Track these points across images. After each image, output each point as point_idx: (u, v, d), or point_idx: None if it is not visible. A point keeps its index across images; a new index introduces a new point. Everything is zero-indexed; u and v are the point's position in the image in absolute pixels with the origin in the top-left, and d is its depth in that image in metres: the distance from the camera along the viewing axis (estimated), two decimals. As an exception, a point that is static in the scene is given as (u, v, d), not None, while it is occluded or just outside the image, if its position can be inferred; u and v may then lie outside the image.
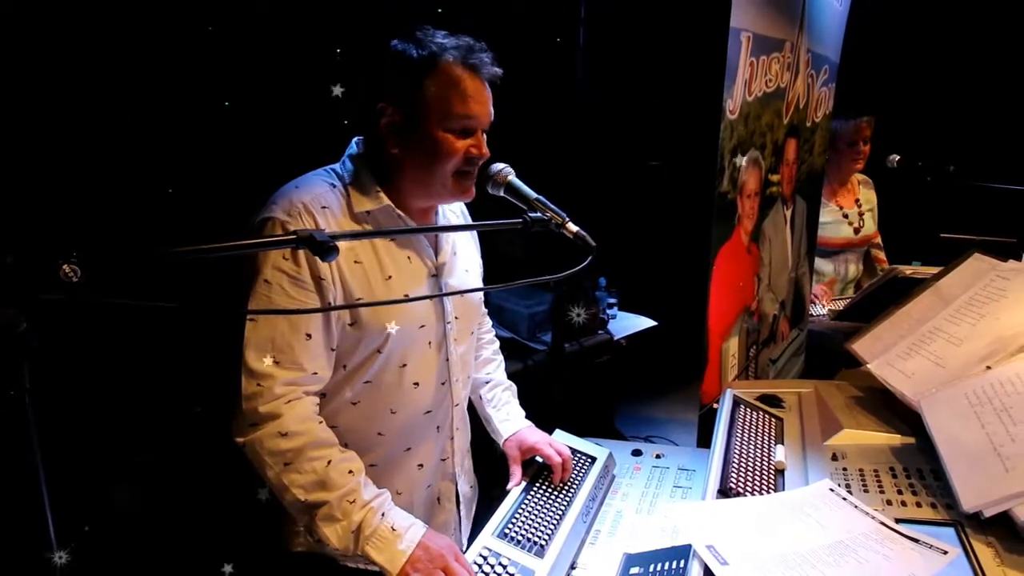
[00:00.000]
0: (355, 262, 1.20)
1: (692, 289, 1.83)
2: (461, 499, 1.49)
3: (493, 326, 1.66)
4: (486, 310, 1.60)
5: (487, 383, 1.57)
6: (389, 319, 1.22)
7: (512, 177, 1.25)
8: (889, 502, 1.20)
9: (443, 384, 1.37)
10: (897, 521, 1.12)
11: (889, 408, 1.48)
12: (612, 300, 3.27)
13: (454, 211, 1.45)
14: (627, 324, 3.20)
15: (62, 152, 1.35)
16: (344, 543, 1.15)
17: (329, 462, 1.17)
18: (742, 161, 1.84)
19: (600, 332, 3.00)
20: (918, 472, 1.28)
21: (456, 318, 1.36)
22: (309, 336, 1.16)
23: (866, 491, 1.24)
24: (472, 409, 1.54)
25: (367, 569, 1.28)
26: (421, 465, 1.39)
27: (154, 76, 1.48)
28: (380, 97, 1.19)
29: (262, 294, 1.13)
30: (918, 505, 1.18)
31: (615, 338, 3.03)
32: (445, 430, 1.41)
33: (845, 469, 1.32)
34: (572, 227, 1.19)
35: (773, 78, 1.96)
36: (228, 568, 1.44)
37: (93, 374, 1.38)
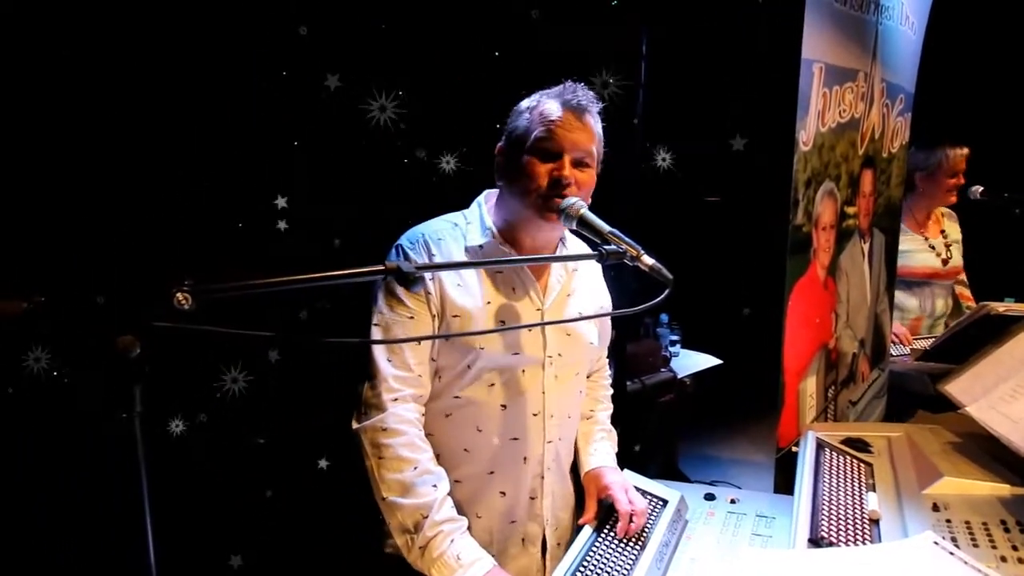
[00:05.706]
0: (457, 284, 1.31)
1: (761, 326, 1.76)
2: (548, 547, 1.45)
3: None
4: (607, 362, 1.62)
5: (588, 419, 1.57)
6: (481, 339, 1.31)
7: (585, 211, 1.24)
8: (1003, 559, 1.09)
9: (535, 415, 1.38)
10: (1016, 581, 1.02)
11: (993, 455, 1.37)
12: (675, 337, 3.19)
13: (589, 268, 1.48)
14: (690, 362, 3.11)
15: (176, 187, 1.46)
16: (412, 557, 1.21)
17: (416, 467, 1.24)
18: (817, 193, 1.78)
19: (663, 370, 2.92)
20: (1034, 527, 1.17)
21: (559, 355, 1.38)
22: (418, 342, 1.30)
23: (975, 546, 1.14)
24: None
25: None
26: (504, 493, 1.39)
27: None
28: (500, 141, 1.37)
29: (385, 303, 1.30)
30: (1038, 564, 1.07)
31: (678, 376, 2.94)
32: (533, 464, 1.40)
33: (949, 521, 1.22)
34: (647, 260, 1.17)
35: (847, 108, 1.90)
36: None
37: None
